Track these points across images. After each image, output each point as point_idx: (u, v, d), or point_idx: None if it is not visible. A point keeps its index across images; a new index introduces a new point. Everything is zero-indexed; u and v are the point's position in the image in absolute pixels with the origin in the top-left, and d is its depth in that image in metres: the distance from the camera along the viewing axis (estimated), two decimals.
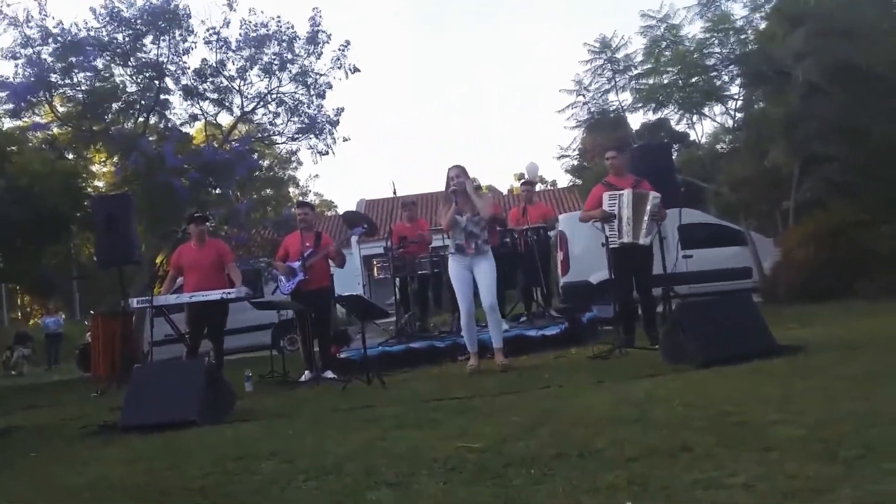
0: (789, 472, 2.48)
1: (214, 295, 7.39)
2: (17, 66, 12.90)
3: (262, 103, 15.03)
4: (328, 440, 4.03)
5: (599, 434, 3.39)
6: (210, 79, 14.38)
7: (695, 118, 14.21)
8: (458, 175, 6.59)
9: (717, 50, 13.11)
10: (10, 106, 13.49)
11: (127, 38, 13.40)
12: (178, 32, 13.65)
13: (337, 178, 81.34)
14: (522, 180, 9.54)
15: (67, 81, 13.35)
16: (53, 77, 13.05)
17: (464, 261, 6.63)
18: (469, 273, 6.63)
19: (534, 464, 2.98)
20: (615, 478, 2.65)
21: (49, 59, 12.88)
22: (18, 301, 31.27)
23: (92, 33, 13.10)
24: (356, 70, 14.64)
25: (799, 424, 3.12)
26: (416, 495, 2.75)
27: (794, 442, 2.85)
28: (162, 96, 14.00)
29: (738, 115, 13.97)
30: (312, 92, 14.79)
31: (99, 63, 13.39)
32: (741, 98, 13.74)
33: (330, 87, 14.73)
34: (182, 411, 5.11)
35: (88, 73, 13.42)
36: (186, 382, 5.41)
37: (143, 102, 13.99)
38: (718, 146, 16.74)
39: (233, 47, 14.17)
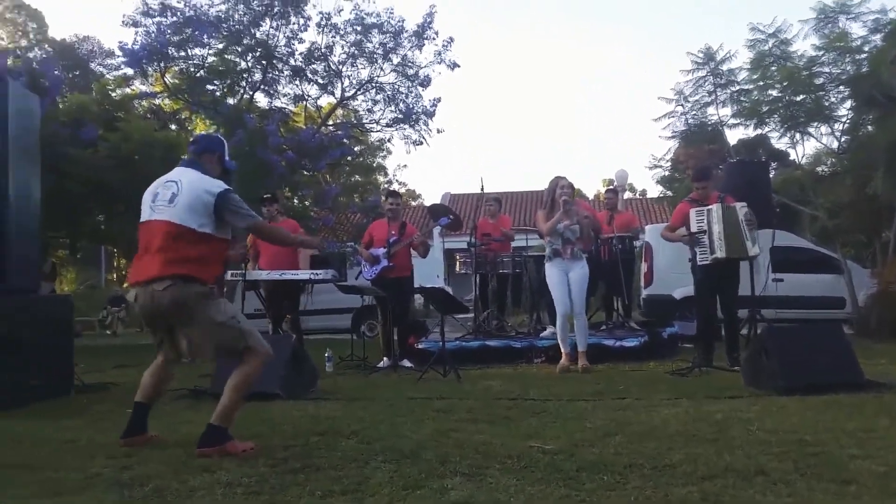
0: None
1: (304, 275, 7.63)
2: (136, 33, 13.54)
3: (362, 90, 15.37)
4: (403, 426, 4.17)
5: (673, 449, 3.41)
6: (317, 62, 14.79)
7: (797, 137, 13.74)
8: (568, 186, 7.13)
9: (827, 70, 12.66)
10: (125, 71, 14.18)
11: (245, 18, 13.91)
12: (292, 15, 14.10)
13: (424, 169, 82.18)
14: (608, 187, 9.46)
15: (182, 54, 13.93)
16: (170, 50, 13.63)
17: (561, 265, 7.03)
18: (566, 277, 7.02)
19: (606, 470, 3.04)
20: (688, 493, 2.68)
21: (168, 32, 13.44)
22: (115, 263, 32.83)
23: (213, 10, 13.68)
24: (456, 66, 14.84)
25: (881, 461, 3.07)
26: (489, 487, 2.84)
27: (875, 478, 2.82)
28: (269, 74, 14.46)
29: (845, 137, 13.42)
30: (413, 82, 15.02)
31: (213, 41, 13.94)
32: (848, 121, 13.20)
33: (429, 80, 14.94)
34: (268, 384, 5.33)
35: (202, 49, 14.00)
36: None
37: (250, 80, 14.49)
38: (819, 168, 16.08)
39: (340, 32, 14.54)
